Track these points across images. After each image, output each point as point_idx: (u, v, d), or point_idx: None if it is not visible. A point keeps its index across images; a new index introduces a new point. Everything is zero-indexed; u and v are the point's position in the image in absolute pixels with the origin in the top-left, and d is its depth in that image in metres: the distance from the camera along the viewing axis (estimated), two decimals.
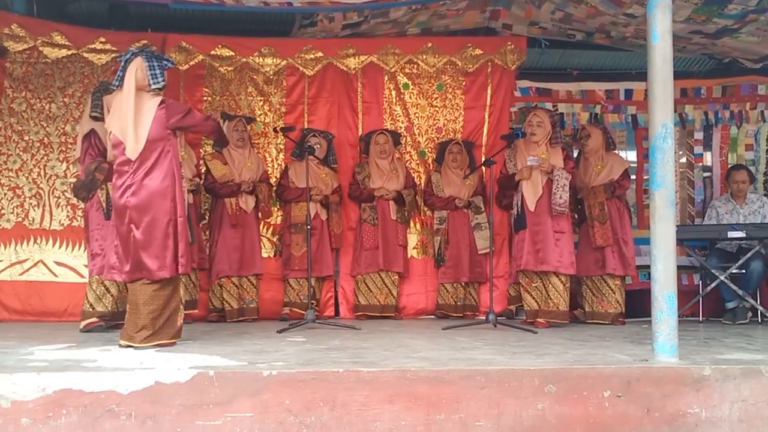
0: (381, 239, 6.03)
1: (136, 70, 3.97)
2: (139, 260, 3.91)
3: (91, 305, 4.84)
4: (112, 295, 4.84)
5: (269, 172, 6.22)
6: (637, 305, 6.26)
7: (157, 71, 3.99)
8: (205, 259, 5.72)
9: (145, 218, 3.90)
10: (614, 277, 5.62)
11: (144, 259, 3.91)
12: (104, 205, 4.78)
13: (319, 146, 5.95)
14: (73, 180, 5.38)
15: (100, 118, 4.70)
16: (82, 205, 5.25)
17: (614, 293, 5.64)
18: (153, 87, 3.98)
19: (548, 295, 5.32)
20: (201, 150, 6.08)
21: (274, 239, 6.19)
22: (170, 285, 4.00)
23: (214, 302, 5.78)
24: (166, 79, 4.06)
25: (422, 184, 6.38)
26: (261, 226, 6.12)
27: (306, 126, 6.26)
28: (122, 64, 4.03)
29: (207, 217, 5.93)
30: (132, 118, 3.92)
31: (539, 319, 5.29)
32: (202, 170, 5.86)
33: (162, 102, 3.98)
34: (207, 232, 5.90)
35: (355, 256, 6.13)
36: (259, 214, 5.92)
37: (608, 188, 5.65)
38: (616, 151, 6.12)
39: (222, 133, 4.66)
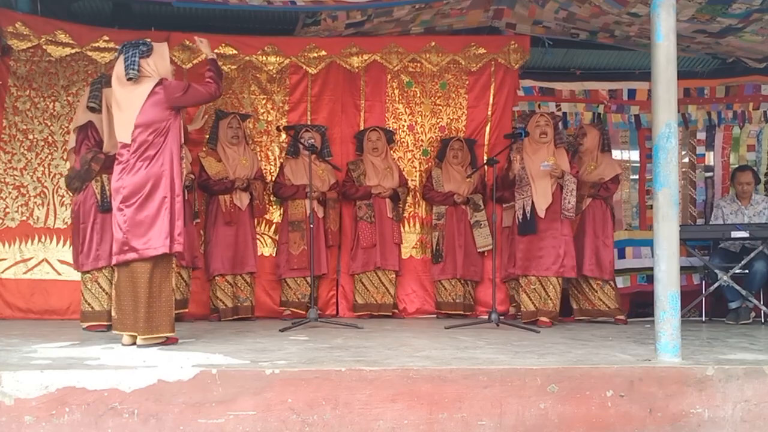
0: (378, 237, 6.02)
1: (117, 66, 3.98)
2: (128, 240, 3.86)
3: (89, 304, 4.82)
4: (107, 293, 4.78)
5: (272, 171, 6.21)
6: (639, 305, 6.28)
7: (129, 61, 3.92)
8: (199, 258, 5.69)
9: (137, 197, 3.86)
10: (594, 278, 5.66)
11: (133, 238, 3.85)
12: (99, 196, 4.72)
13: (313, 140, 5.93)
14: (68, 170, 5.30)
15: (97, 110, 4.67)
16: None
17: (597, 292, 5.68)
18: (126, 78, 3.93)
19: (548, 296, 5.36)
20: (198, 147, 6.05)
21: (276, 237, 6.17)
22: (158, 269, 3.91)
23: (215, 302, 5.76)
24: (138, 66, 3.91)
25: (423, 180, 6.38)
26: (262, 224, 6.12)
27: (309, 124, 6.26)
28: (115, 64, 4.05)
29: (198, 217, 5.83)
30: (118, 110, 3.93)
31: (543, 318, 5.31)
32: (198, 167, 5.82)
33: (158, 83, 3.94)
34: (201, 232, 5.86)
35: (351, 255, 6.11)
36: (254, 211, 5.89)
37: (594, 186, 5.67)
38: (612, 155, 6.13)
39: (219, 72, 4.27)
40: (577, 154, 5.87)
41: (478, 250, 6.12)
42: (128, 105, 3.93)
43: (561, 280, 5.39)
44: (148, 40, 4.09)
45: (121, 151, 3.97)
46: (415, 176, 6.43)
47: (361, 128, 6.36)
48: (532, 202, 5.35)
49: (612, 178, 5.73)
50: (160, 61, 4.05)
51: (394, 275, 6.12)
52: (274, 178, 6.14)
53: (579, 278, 5.66)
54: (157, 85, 3.94)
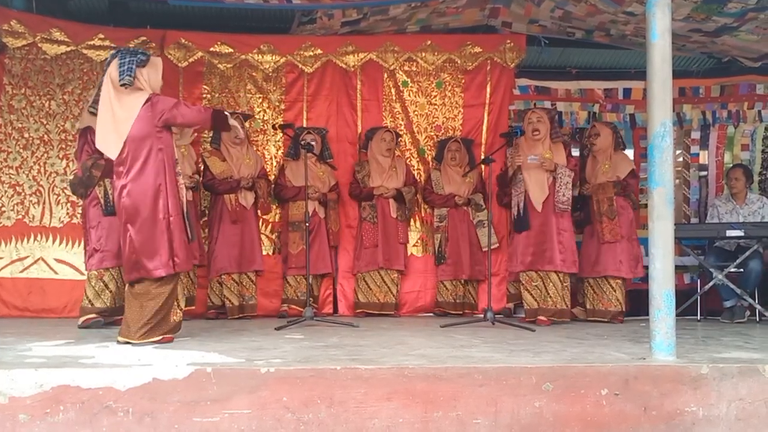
0: (381, 237, 6.03)
1: (111, 70, 3.95)
2: (137, 260, 3.91)
3: (90, 301, 4.85)
4: (110, 291, 4.84)
5: (267, 170, 6.21)
6: (635, 304, 6.27)
7: (125, 67, 3.90)
8: (203, 256, 5.73)
9: (139, 218, 3.89)
10: (615, 276, 5.61)
11: (141, 258, 3.90)
12: (102, 200, 4.79)
13: (314, 143, 5.94)
14: (72, 177, 5.38)
15: (95, 115, 4.69)
16: (81, 202, 5.24)
17: (615, 292, 5.62)
18: (120, 83, 3.91)
19: (547, 293, 5.34)
20: (200, 147, 6.08)
21: (273, 237, 6.20)
22: (169, 283, 3.98)
23: (213, 299, 5.78)
24: (134, 73, 3.90)
25: (422, 182, 6.38)
26: (260, 224, 6.13)
27: (305, 123, 6.26)
28: (105, 67, 4.03)
29: (207, 214, 5.93)
30: (111, 117, 3.92)
31: (540, 317, 5.31)
32: (201, 167, 5.86)
33: (147, 100, 3.93)
34: (206, 230, 5.91)
35: (355, 255, 6.13)
36: (258, 210, 5.92)
37: (617, 184, 5.63)
38: (625, 151, 6.11)
39: (221, 120, 4.22)
40: (591, 155, 5.85)
41: (484, 249, 6.11)
42: (119, 114, 3.92)
43: (563, 276, 5.35)
44: (148, 51, 4.08)
45: (118, 168, 3.96)
46: (413, 175, 6.42)
47: (358, 127, 6.36)
48: (525, 199, 5.35)
49: (628, 174, 5.69)
50: (153, 74, 4.04)
51: (396, 275, 6.12)
52: (274, 180, 6.14)
53: (599, 278, 5.63)
54: (147, 101, 3.92)
